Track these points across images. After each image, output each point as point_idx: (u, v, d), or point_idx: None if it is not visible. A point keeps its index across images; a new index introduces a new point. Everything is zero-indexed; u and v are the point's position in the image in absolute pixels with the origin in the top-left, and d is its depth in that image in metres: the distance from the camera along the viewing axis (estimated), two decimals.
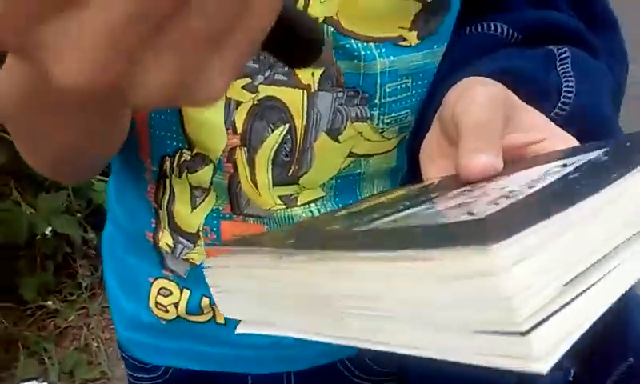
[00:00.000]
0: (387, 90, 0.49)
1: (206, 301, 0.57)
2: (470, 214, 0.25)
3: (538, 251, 0.20)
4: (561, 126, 0.41)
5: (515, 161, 0.36)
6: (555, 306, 0.20)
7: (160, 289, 0.59)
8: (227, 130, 0.49)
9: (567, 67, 0.46)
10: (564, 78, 0.45)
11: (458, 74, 0.44)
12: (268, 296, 0.30)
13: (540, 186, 0.27)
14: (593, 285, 0.21)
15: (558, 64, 0.46)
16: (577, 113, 0.43)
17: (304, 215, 0.53)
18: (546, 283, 0.20)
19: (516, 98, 0.39)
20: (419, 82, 0.50)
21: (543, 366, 0.19)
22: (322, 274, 0.25)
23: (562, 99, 0.44)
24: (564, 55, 0.46)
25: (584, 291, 0.21)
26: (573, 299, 0.20)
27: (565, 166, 0.30)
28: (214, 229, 0.54)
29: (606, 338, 0.56)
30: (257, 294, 0.31)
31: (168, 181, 0.54)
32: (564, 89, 0.44)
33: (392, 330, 0.23)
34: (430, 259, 0.20)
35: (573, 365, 0.56)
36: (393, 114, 0.50)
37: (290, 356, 0.61)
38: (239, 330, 0.33)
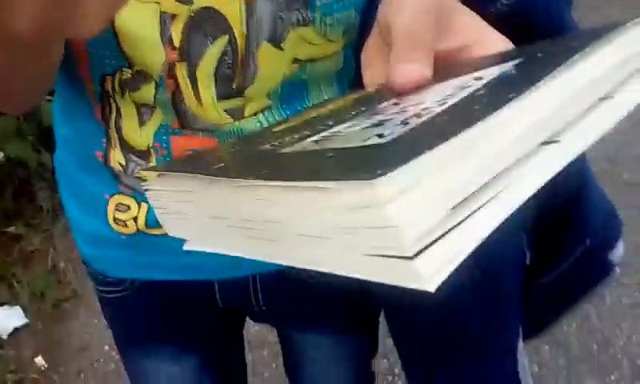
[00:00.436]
0: None
1: None
2: (380, 136, 0.26)
3: (425, 179, 0.21)
4: (507, 19, 0.40)
5: (447, 66, 0.36)
6: (442, 230, 0.21)
7: (117, 204, 0.59)
8: (164, 45, 0.47)
9: None
10: None
11: None
12: (203, 218, 0.32)
13: (449, 103, 0.28)
14: (480, 207, 0.23)
15: None
16: (524, 4, 0.42)
17: (252, 127, 0.52)
18: (432, 209, 0.21)
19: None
20: None
21: (431, 286, 0.21)
22: (244, 200, 0.27)
23: None
24: None
25: (471, 214, 0.22)
26: (460, 222, 0.22)
27: (479, 79, 0.30)
28: (164, 144, 0.54)
29: (564, 224, 0.57)
30: (194, 216, 0.33)
31: (112, 99, 0.52)
32: None
33: (303, 250, 0.25)
34: (327, 190, 0.22)
35: (530, 249, 0.59)
36: (335, 15, 0.49)
37: (251, 260, 0.62)
38: (186, 247, 0.35)
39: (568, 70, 0.27)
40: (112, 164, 0.56)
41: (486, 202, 0.23)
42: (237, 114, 0.52)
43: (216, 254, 0.62)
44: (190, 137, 0.53)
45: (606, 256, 0.59)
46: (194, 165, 0.36)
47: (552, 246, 0.58)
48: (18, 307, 1.84)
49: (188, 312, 0.70)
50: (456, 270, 0.22)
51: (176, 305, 0.68)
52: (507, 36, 0.38)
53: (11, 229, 2.03)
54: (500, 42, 0.36)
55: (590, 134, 0.27)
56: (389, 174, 0.20)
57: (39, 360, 1.72)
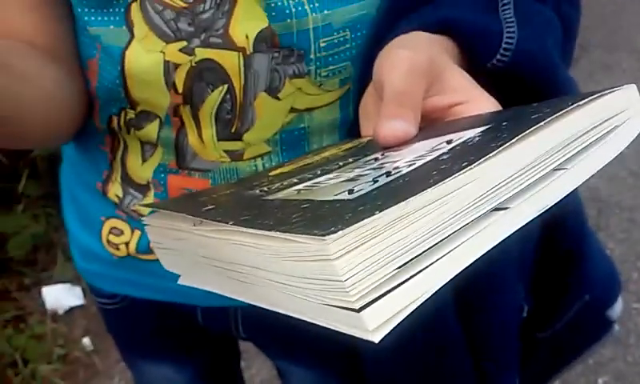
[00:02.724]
0: (322, 44, 0.49)
1: None
2: (350, 191, 0.29)
3: (372, 239, 0.23)
4: (504, 74, 0.41)
5: (434, 123, 0.38)
6: (388, 287, 0.23)
7: (112, 228, 0.61)
8: (169, 89, 0.50)
9: (509, 12, 0.44)
10: (506, 23, 0.44)
11: (401, 26, 0.44)
12: (192, 256, 0.35)
13: (417, 164, 0.30)
14: (427, 267, 0.24)
15: (500, 9, 0.45)
16: (521, 60, 0.43)
17: (248, 169, 0.54)
18: (378, 267, 0.23)
19: (444, 58, 0.40)
20: (357, 34, 0.50)
21: (376, 337, 0.23)
22: (224, 243, 0.30)
23: (503, 46, 0.43)
24: (506, 0, 0.45)
25: (417, 273, 0.24)
26: (405, 280, 0.24)
27: (450, 142, 0.32)
28: (162, 182, 0.57)
29: (562, 276, 0.57)
30: (185, 253, 0.36)
31: (120, 136, 0.56)
32: (505, 35, 0.43)
33: (269, 294, 0.28)
34: (288, 241, 0.24)
35: (527, 303, 0.57)
36: (330, 67, 0.50)
37: None
38: (180, 281, 0.37)
39: (523, 142, 0.28)
40: (109, 195, 0.59)
41: (433, 263, 0.25)
42: (236, 156, 0.54)
43: None
44: (185, 177, 0.55)
45: (605, 313, 0.56)
46: (187, 205, 0.39)
47: (551, 300, 0.57)
48: (78, 288, 1.93)
49: (176, 328, 0.73)
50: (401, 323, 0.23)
51: (165, 321, 0.71)
52: (501, 92, 0.38)
53: None
54: (488, 104, 0.37)
55: (540, 202, 0.28)
56: (339, 232, 0.22)
57: (86, 341, 1.78)
